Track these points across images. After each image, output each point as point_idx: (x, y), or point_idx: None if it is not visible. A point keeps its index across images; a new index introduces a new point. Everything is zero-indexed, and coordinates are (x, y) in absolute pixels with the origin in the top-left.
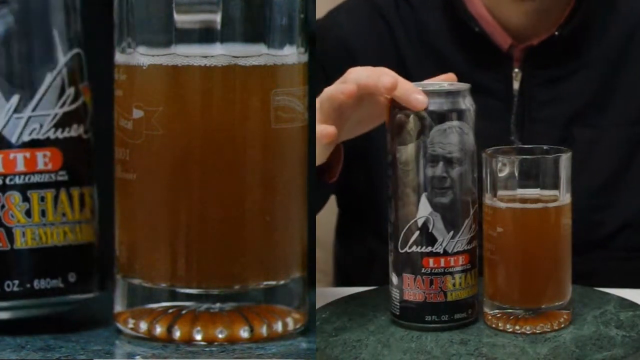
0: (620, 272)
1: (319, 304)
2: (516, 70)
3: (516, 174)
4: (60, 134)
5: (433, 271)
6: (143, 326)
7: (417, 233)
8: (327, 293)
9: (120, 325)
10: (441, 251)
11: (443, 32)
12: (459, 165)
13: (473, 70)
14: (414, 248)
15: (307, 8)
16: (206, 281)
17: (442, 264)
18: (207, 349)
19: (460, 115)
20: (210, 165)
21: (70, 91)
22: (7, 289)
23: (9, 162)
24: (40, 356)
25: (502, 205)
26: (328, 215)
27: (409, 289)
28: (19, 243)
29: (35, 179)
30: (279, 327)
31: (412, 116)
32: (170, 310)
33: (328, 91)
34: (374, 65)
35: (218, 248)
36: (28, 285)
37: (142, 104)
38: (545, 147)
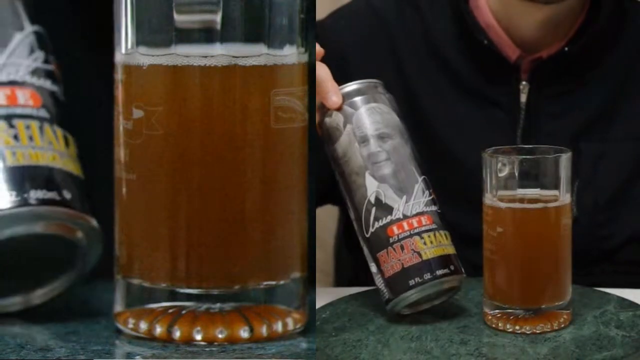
0: (625, 286)
1: (319, 304)
2: (524, 83)
3: (516, 174)
4: (37, 81)
5: (400, 237)
6: (143, 326)
7: (373, 210)
8: (327, 293)
9: (120, 326)
10: (401, 216)
11: (450, 40)
12: (389, 139)
13: (480, 81)
14: (376, 225)
15: (307, 8)
16: (206, 281)
17: (406, 227)
18: (207, 349)
19: (376, 98)
20: (210, 165)
21: (40, 53)
22: (3, 200)
23: None
24: (40, 356)
25: (502, 205)
26: (328, 216)
27: (386, 265)
28: (11, 161)
29: (19, 111)
30: (279, 327)
31: (334, 113)
32: (170, 311)
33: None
34: (371, 73)
35: (218, 248)
36: (25, 195)
37: (142, 104)
38: (545, 147)
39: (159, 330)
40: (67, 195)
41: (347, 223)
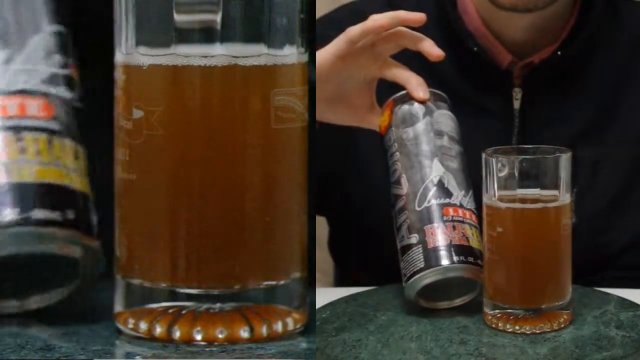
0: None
1: (319, 304)
2: (516, 89)
3: (516, 174)
4: (50, 89)
5: (454, 218)
6: (143, 326)
7: (434, 189)
8: (327, 293)
9: (120, 326)
10: (458, 203)
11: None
12: (457, 144)
13: (472, 88)
14: (432, 201)
15: (307, 8)
16: (206, 281)
17: (461, 214)
18: (207, 349)
19: (449, 108)
20: (210, 166)
21: (58, 57)
22: (5, 219)
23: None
24: (40, 356)
25: (502, 205)
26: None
27: (432, 237)
28: (16, 177)
29: (28, 123)
30: (279, 327)
31: (416, 104)
32: (170, 311)
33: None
34: None
35: (218, 248)
36: (27, 215)
37: (142, 104)
38: (545, 147)
39: (159, 330)
40: (70, 215)
41: (333, 232)
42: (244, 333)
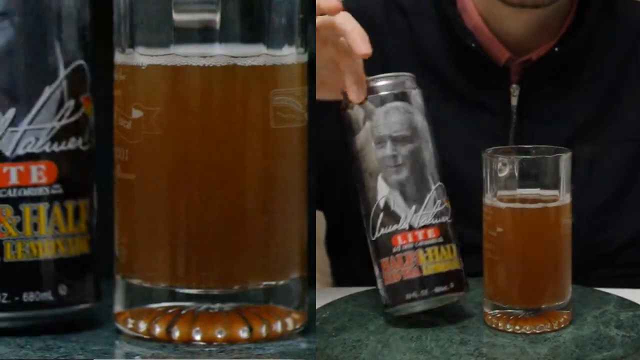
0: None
1: (319, 304)
2: (514, 85)
3: (516, 174)
4: (56, 147)
5: (403, 248)
6: (142, 326)
7: (381, 215)
8: (327, 293)
9: (119, 326)
10: (407, 227)
11: (438, 44)
12: (408, 142)
13: (469, 85)
14: (382, 231)
15: (306, 8)
16: (206, 281)
17: (410, 239)
18: (205, 349)
19: (403, 96)
20: (209, 166)
21: (69, 104)
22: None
23: (2, 176)
24: (39, 356)
25: (502, 205)
26: None
27: (386, 272)
28: (9, 256)
29: (29, 192)
30: (278, 327)
31: (356, 106)
32: (170, 311)
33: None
34: None
35: (217, 248)
36: (17, 298)
37: (141, 104)
38: (545, 147)
39: (158, 330)
40: (62, 291)
41: (330, 228)
42: (243, 333)
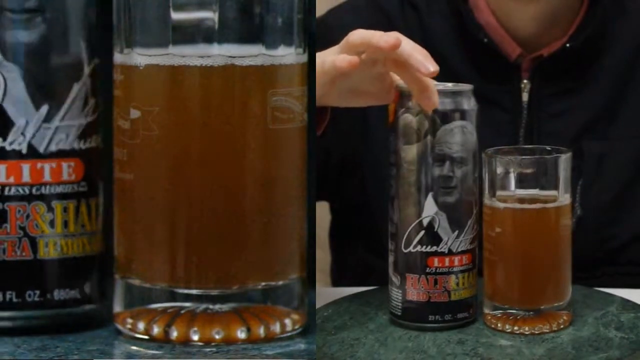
0: (628, 286)
1: (319, 304)
2: (525, 81)
3: (515, 174)
4: (83, 145)
5: (437, 271)
6: (141, 326)
7: (422, 232)
8: (327, 293)
9: (118, 326)
10: (446, 251)
11: (449, 39)
12: (463, 164)
13: (480, 80)
14: (418, 248)
15: (306, 8)
16: (205, 282)
17: (447, 264)
18: (201, 350)
19: (464, 115)
20: (207, 166)
21: (92, 101)
22: (28, 299)
23: (36, 172)
24: (34, 356)
25: (501, 205)
26: (328, 215)
27: (412, 288)
28: (42, 253)
29: (60, 189)
30: (276, 327)
31: (419, 116)
32: (169, 311)
33: (332, 59)
34: None
35: (216, 248)
36: (48, 296)
37: (139, 104)
38: (544, 147)
39: (156, 330)
40: (87, 289)
41: (335, 222)
42: (241, 334)
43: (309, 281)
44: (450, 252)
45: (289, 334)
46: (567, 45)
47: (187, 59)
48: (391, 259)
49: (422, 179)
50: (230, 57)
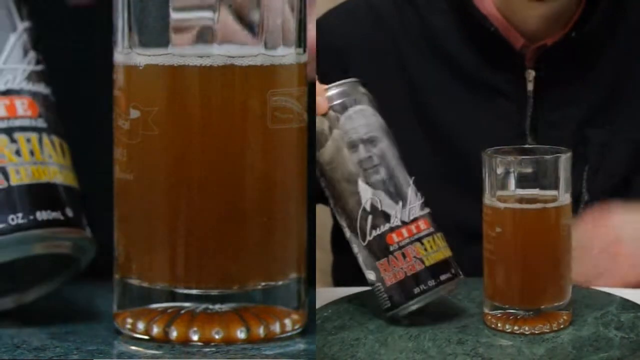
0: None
1: (319, 304)
2: (529, 70)
3: (515, 174)
4: (32, 87)
5: (400, 244)
6: (140, 326)
7: (370, 217)
8: (327, 293)
9: (118, 326)
10: (399, 223)
11: (452, 33)
12: (378, 142)
13: (484, 71)
14: (374, 233)
15: (305, 9)
16: (205, 282)
17: (406, 235)
18: (201, 350)
19: (358, 100)
20: (207, 166)
21: (32, 54)
22: (11, 222)
23: None
24: (34, 356)
25: (501, 205)
26: (328, 215)
27: (387, 273)
28: (15, 180)
29: (18, 123)
30: (276, 327)
31: (318, 118)
32: (169, 311)
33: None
34: (373, 70)
35: (216, 248)
36: (31, 217)
37: (138, 104)
38: (544, 147)
39: (156, 330)
40: (69, 212)
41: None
42: (241, 334)
43: (309, 281)
44: (404, 223)
45: (288, 334)
46: (572, 34)
47: (187, 59)
48: (360, 261)
49: (346, 170)
50: (229, 57)
